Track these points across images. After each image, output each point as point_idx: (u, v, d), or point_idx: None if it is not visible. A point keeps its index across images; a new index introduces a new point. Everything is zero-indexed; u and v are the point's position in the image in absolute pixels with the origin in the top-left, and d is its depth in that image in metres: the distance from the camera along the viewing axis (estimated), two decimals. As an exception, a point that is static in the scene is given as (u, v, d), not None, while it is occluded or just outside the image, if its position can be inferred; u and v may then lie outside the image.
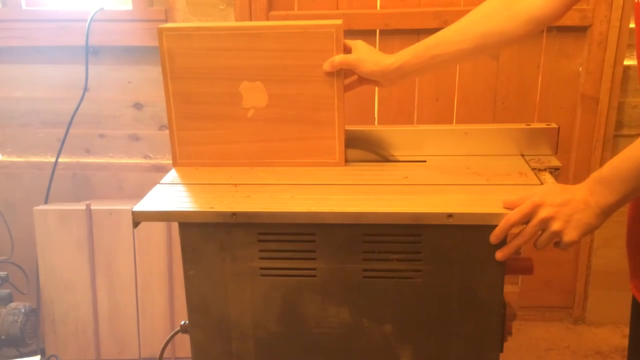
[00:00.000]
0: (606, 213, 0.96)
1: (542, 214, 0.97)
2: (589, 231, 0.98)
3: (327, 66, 1.19)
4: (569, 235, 0.97)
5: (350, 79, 1.25)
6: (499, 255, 1.02)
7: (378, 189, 1.13)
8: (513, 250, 1.02)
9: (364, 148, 1.29)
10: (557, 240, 0.99)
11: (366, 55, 1.18)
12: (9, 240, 2.15)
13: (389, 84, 1.21)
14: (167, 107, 1.25)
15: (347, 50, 1.21)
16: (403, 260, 1.07)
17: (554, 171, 1.22)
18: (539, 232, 0.99)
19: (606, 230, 2.06)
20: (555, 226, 0.97)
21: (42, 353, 2.10)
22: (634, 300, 1.15)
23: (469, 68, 2.02)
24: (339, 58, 1.18)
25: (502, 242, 1.02)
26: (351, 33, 1.97)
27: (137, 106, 2.14)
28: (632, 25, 1.89)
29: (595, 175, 0.97)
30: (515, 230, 1.01)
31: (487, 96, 2.04)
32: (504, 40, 1.13)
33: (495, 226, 1.01)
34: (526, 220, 0.98)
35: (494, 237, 1.01)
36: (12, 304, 1.89)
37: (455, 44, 1.14)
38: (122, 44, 2.06)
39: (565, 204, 0.96)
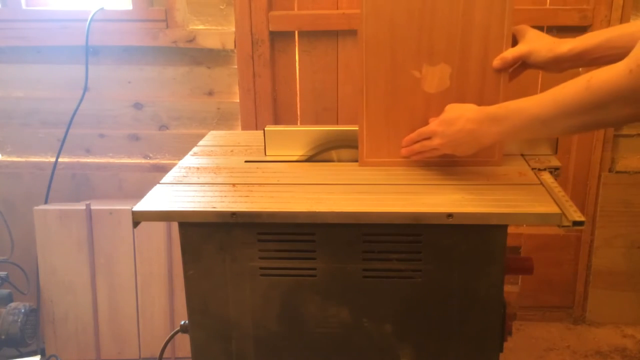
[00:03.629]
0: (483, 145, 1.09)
1: (434, 142, 1.13)
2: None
3: (497, 64, 1.15)
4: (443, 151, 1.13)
5: (512, 68, 1.20)
6: (403, 152, 1.21)
7: (378, 189, 1.13)
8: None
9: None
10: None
11: (538, 44, 1.13)
12: (9, 240, 2.15)
13: (558, 71, 1.15)
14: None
15: (512, 38, 1.16)
16: (403, 260, 1.07)
17: (554, 171, 1.22)
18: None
19: (606, 230, 2.07)
20: (439, 152, 1.15)
21: (42, 353, 2.09)
22: None
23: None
24: (511, 54, 1.14)
25: (503, 239, 1.02)
26: (351, 33, 1.97)
27: (137, 106, 2.14)
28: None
29: (491, 111, 1.06)
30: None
31: (487, 96, 2.04)
32: None
33: (495, 226, 1.01)
34: (421, 138, 1.17)
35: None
36: (12, 304, 1.89)
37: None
38: (122, 44, 2.06)
39: (457, 134, 1.10)
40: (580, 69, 1.14)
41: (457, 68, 1.18)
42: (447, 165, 1.22)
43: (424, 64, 1.18)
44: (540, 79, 2.01)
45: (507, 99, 1.11)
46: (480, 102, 1.14)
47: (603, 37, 1.09)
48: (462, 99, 1.17)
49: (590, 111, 0.92)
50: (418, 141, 1.18)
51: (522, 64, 1.19)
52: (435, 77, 1.18)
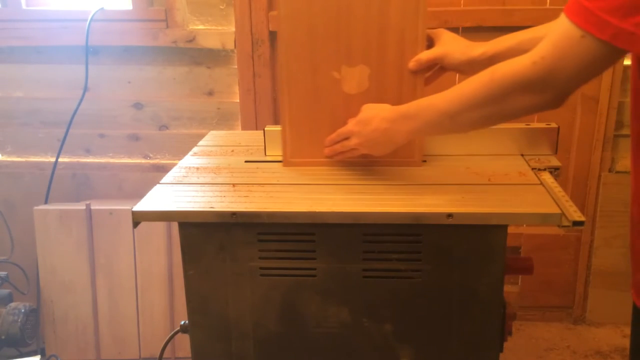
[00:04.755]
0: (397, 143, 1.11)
1: (352, 142, 1.16)
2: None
3: (412, 65, 1.17)
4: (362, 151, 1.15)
5: (429, 72, 1.22)
6: (326, 152, 1.22)
7: (378, 189, 1.13)
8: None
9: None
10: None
11: (452, 47, 1.16)
12: (9, 240, 2.15)
13: (473, 73, 1.17)
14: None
15: (428, 40, 1.18)
16: (403, 260, 1.07)
17: (554, 171, 1.22)
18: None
19: (606, 230, 2.07)
20: (358, 151, 1.17)
21: (42, 353, 2.10)
22: (634, 307, 1.15)
23: (469, 68, 2.02)
24: (425, 55, 1.16)
25: (503, 239, 1.02)
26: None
27: (137, 106, 2.14)
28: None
29: (403, 109, 1.08)
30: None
31: (487, 96, 2.04)
32: None
33: (495, 226, 1.01)
34: (340, 139, 1.19)
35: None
36: (12, 304, 1.89)
37: None
38: (122, 44, 2.06)
39: (372, 133, 1.11)
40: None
41: (375, 69, 1.19)
42: (368, 165, 1.23)
43: (343, 65, 1.19)
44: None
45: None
46: (398, 103, 1.14)
47: (514, 40, 1.12)
48: (381, 100, 1.18)
49: (495, 102, 0.94)
50: (338, 141, 1.20)
51: (441, 68, 1.21)
52: (354, 78, 1.19)
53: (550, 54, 0.87)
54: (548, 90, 0.89)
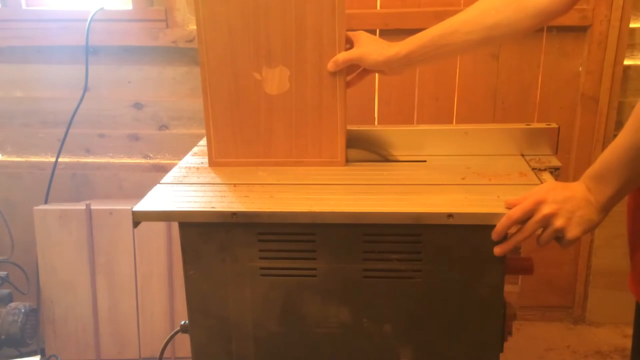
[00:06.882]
0: (607, 208, 0.97)
1: (545, 210, 0.97)
2: (591, 228, 0.98)
3: (330, 66, 1.19)
4: (572, 232, 0.97)
5: (352, 75, 1.25)
6: (498, 250, 1.02)
7: (378, 189, 1.13)
8: (512, 246, 1.02)
9: (364, 148, 1.29)
10: (559, 236, 0.99)
11: (369, 48, 1.18)
12: (9, 240, 2.15)
13: (394, 73, 1.20)
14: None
15: (349, 42, 1.20)
16: (403, 260, 1.07)
17: (554, 171, 1.22)
18: (540, 229, 0.99)
19: (606, 230, 2.07)
20: (558, 223, 0.96)
21: (42, 353, 2.09)
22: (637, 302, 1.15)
23: (469, 68, 2.02)
24: (342, 56, 1.18)
25: (503, 239, 1.02)
26: (351, 33, 1.97)
27: (137, 106, 2.14)
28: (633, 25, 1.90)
29: (588, 172, 0.98)
30: (515, 228, 1.01)
31: (487, 96, 2.04)
32: (512, 33, 1.12)
33: (495, 226, 1.01)
34: (528, 217, 0.98)
35: (495, 234, 1.01)
36: (12, 304, 1.89)
37: (462, 35, 1.12)
38: (122, 44, 2.06)
39: (567, 201, 0.97)
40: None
41: (295, 71, 1.20)
42: (292, 165, 1.26)
43: (264, 66, 1.20)
44: (540, 80, 2.01)
45: (344, 100, 1.20)
46: (319, 104, 1.17)
47: (426, 38, 1.14)
48: (302, 100, 1.20)
49: None
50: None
51: (363, 70, 1.23)
52: (275, 79, 1.21)
53: None
54: None
